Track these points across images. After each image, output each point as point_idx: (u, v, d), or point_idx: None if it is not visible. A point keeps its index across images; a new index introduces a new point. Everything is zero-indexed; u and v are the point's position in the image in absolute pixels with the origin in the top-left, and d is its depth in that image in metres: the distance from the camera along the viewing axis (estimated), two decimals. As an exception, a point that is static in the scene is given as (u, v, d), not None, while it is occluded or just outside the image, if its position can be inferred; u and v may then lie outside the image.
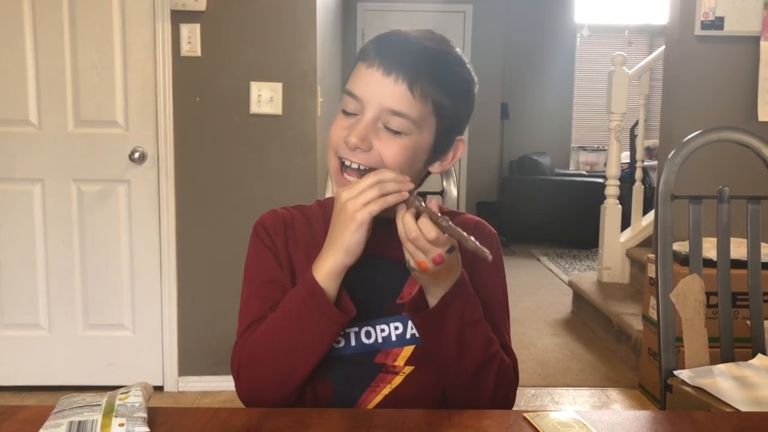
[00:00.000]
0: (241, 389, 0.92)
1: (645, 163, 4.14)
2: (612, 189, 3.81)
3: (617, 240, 3.81)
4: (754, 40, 2.90)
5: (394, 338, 0.95)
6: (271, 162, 2.67)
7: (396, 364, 0.94)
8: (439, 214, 0.80)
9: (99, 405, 0.77)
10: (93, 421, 0.74)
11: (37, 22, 2.57)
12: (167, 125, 2.63)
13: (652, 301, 2.64)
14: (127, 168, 2.65)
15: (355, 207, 0.82)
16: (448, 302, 0.86)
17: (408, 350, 0.94)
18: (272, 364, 0.89)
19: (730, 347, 1.51)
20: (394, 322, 0.95)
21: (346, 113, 0.92)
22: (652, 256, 2.66)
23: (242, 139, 2.66)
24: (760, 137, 1.49)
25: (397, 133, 0.89)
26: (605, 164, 4.31)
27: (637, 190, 3.91)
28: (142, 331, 2.74)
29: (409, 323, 0.94)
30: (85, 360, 2.73)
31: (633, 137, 5.39)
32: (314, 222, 1.01)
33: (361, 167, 0.89)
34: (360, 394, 0.94)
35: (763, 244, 1.57)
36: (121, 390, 0.81)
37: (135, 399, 0.79)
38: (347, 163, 0.90)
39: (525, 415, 0.82)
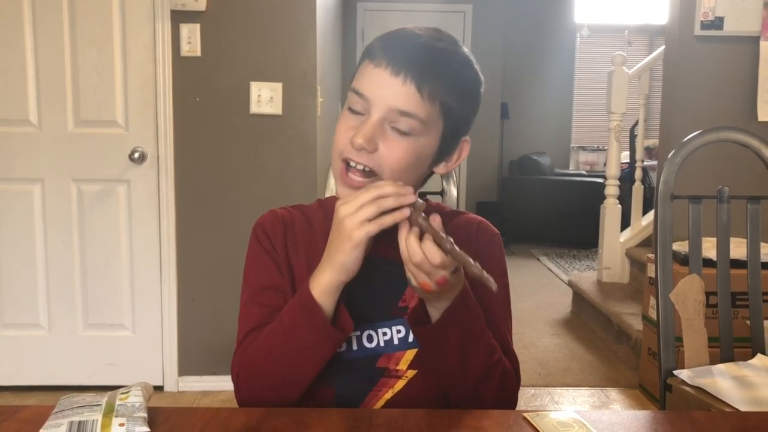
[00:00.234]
0: (240, 396, 0.93)
1: (645, 163, 4.14)
2: (612, 189, 3.81)
3: (617, 240, 3.81)
4: (754, 40, 2.90)
5: (396, 342, 0.94)
6: (271, 162, 2.67)
7: (398, 368, 0.93)
8: (444, 235, 0.78)
9: (99, 405, 0.77)
10: (93, 421, 0.74)
11: (37, 22, 2.57)
12: (167, 125, 2.63)
13: (652, 300, 2.64)
14: (127, 168, 2.65)
15: (353, 225, 0.80)
16: (450, 316, 0.85)
17: (410, 354, 0.93)
18: (270, 375, 0.89)
19: (729, 347, 1.51)
20: (396, 325, 0.94)
21: (352, 111, 0.90)
22: (651, 255, 2.66)
23: (242, 139, 2.66)
24: (759, 137, 1.49)
25: (404, 134, 0.88)
26: (605, 164, 4.31)
27: (637, 190, 3.91)
28: (142, 331, 2.74)
29: (412, 309, 0.92)
30: (85, 360, 2.73)
31: (633, 137, 5.39)
32: (315, 222, 1.00)
33: (366, 168, 0.88)
34: (362, 398, 0.93)
35: (762, 244, 1.57)
36: (121, 390, 0.81)
37: (135, 399, 0.79)
38: (352, 164, 0.89)
39: (525, 414, 0.82)
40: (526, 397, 2.70)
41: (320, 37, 2.84)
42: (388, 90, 0.87)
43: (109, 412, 0.76)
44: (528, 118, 6.94)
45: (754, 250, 1.52)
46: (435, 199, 1.12)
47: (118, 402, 0.78)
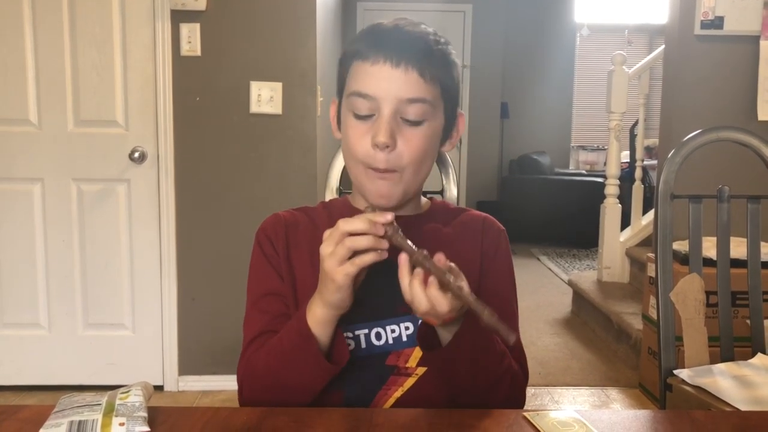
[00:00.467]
0: (243, 402, 0.93)
1: (645, 163, 4.14)
2: (612, 188, 3.81)
3: (617, 239, 3.81)
4: (754, 40, 2.90)
5: (405, 339, 0.93)
6: (270, 161, 2.67)
7: (408, 365, 0.93)
8: (450, 279, 0.75)
9: (99, 404, 0.77)
10: (93, 420, 0.74)
11: (37, 21, 2.57)
12: (167, 125, 2.63)
13: (652, 300, 2.64)
14: (127, 167, 2.65)
15: (332, 267, 0.79)
16: (461, 338, 0.84)
17: (420, 351, 0.92)
18: (271, 391, 0.90)
19: (729, 346, 1.51)
20: (404, 322, 0.93)
21: (358, 117, 0.91)
22: (651, 255, 2.66)
23: (242, 139, 2.66)
24: (759, 136, 1.49)
25: (416, 123, 0.90)
26: (605, 163, 4.31)
27: (637, 190, 3.91)
28: (142, 331, 2.74)
29: (420, 322, 0.93)
30: (85, 359, 2.73)
31: (633, 136, 5.39)
32: (319, 223, 1.00)
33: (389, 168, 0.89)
34: (372, 397, 0.93)
35: (762, 244, 1.57)
36: (122, 389, 0.81)
37: (135, 398, 0.79)
38: (374, 167, 0.90)
39: (525, 414, 0.82)
40: (526, 397, 2.70)
41: (320, 36, 2.84)
42: (392, 83, 0.88)
43: (110, 411, 0.76)
44: (528, 117, 6.94)
45: (754, 249, 1.52)
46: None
47: (118, 401, 0.78)
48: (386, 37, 0.91)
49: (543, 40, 6.96)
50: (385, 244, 0.79)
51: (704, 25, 2.90)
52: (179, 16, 2.59)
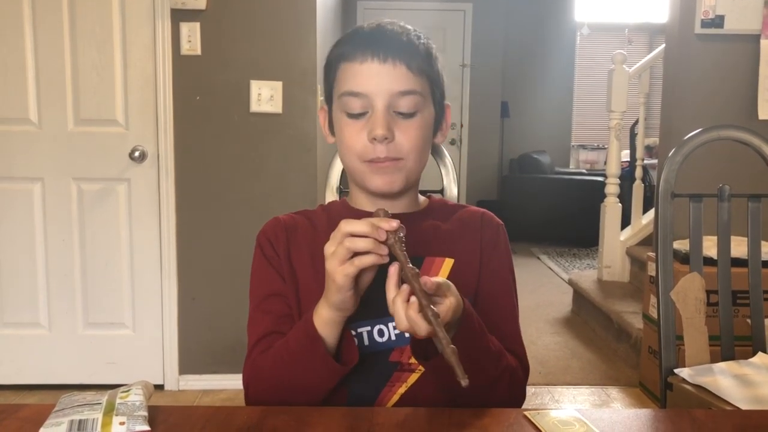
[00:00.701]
0: (249, 404, 0.94)
1: (645, 162, 4.13)
2: (612, 187, 3.81)
3: (617, 238, 3.81)
4: (755, 39, 2.90)
5: (407, 334, 0.93)
6: (271, 161, 2.67)
7: (411, 361, 0.93)
8: (428, 303, 0.75)
9: (99, 404, 0.77)
10: (93, 419, 0.74)
11: (37, 21, 2.57)
12: (167, 124, 2.63)
13: (653, 299, 2.64)
14: (127, 167, 2.65)
15: (333, 268, 0.80)
16: (456, 344, 0.83)
17: None
18: (278, 392, 0.90)
19: (730, 345, 1.51)
20: None
21: (351, 116, 0.93)
22: (652, 254, 2.66)
23: (242, 138, 2.66)
24: (760, 135, 1.49)
25: (410, 115, 0.92)
26: (605, 162, 4.31)
27: (637, 189, 3.91)
28: (142, 330, 2.74)
29: None
30: (85, 359, 2.73)
31: (633, 135, 5.38)
32: (319, 225, 1.01)
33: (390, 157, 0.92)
34: (376, 394, 0.93)
35: (763, 243, 1.57)
36: (122, 389, 0.81)
37: (135, 397, 0.79)
38: (373, 158, 0.92)
39: (525, 413, 0.82)
40: (526, 396, 2.70)
41: (320, 35, 2.83)
42: (383, 78, 0.91)
43: (110, 410, 0.76)
44: (528, 116, 6.94)
45: (754, 248, 1.52)
46: (436, 196, 1.12)
47: (118, 401, 0.78)
48: (370, 37, 0.94)
49: (543, 39, 6.96)
50: (384, 250, 0.79)
51: (705, 24, 2.89)
52: (179, 15, 2.59)
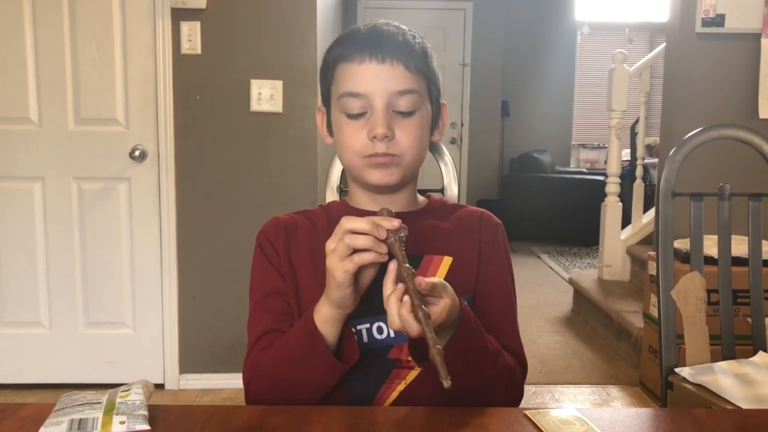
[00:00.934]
0: (250, 402, 0.94)
1: (645, 161, 4.14)
2: (612, 186, 3.81)
3: (618, 237, 3.80)
4: (755, 38, 2.89)
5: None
6: (271, 160, 2.67)
7: (410, 358, 0.93)
8: (420, 302, 0.75)
9: (100, 403, 0.77)
10: (94, 418, 0.74)
11: (37, 20, 2.57)
12: (167, 123, 2.63)
13: (653, 298, 2.64)
14: (128, 166, 2.65)
15: (333, 264, 0.81)
16: (453, 347, 0.83)
17: None
18: (279, 390, 0.90)
19: (731, 344, 1.51)
20: None
21: (351, 116, 0.94)
22: (652, 253, 2.66)
23: (242, 137, 2.66)
24: (761, 134, 1.49)
25: (409, 113, 0.93)
26: (606, 162, 4.31)
27: (638, 188, 3.90)
28: (142, 329, 2.74)
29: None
30: (85, 358, 2.73)
31: (633, 135, 5.38)
32: (318, 225, 1.02)
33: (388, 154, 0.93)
34: (375, 391, 0.93)
35: (764, 242, 1.57)
36: (122, 388, 0.81)
37: (136, 397, 0.79)
38: (373, 154, 0.93)
39: (526, 412, 0.82)
40: (527, 395, 2.69)
41: (321, 34, 2.83)
42: (381, 77, 0.92)
43: (110, 409, 0.75)
44: (528, 115, 6.94)
45: (755, 247, 1.51)
46: (436, 196, 1.12)
47: (118, 400, 0.78)
48: (368, 37, 0.94)
49: (544, 38, 6.96)
50: (383, 248, 0.79)
51: (705, 23, 2.89)
52: (180, 14, 2.59)
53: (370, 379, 0.93)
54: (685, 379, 1.43)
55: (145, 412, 0.77)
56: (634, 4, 7.14)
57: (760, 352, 1.51)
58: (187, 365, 2.76)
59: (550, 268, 5.23)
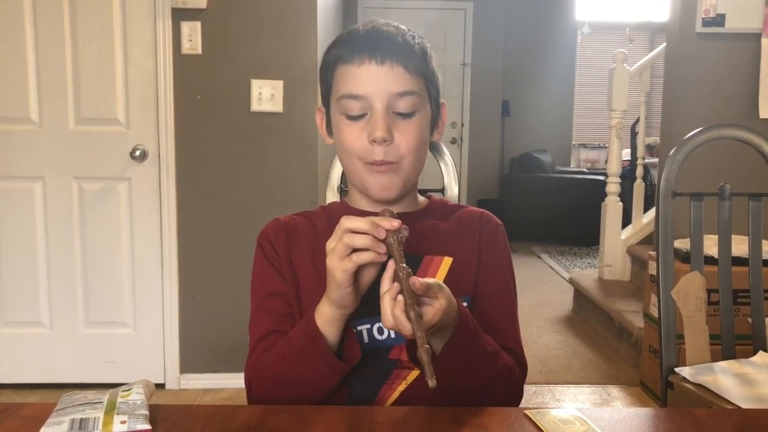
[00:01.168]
0: (251, 402, 0.94)
1: (646, 161, 4.13)
2: (613, 186, 3.81)
3: (618, 237, 3.81)
4: (755, 38, 2.90)
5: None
6: (271, 160, 2.67)
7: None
8: (413, 303, 0.75)
9: (101, 402, 0.77)
10: (95, 418, 0.74)
11: (37, 19, 2.57)
12: (168, 123, 2.63)
13: (653, 298, 2.64)
14: (128, 166, 2.65)
15: (332, 264, 0.81)
16: (451, 348, 0.84)
17: None
18: (280, 391, 0.90)
19: (731, 344, 1.51)
20: None
21: (351, 118, 0.94)
22: (653, 253, 2.66)
23: (243, 137, 2.66)
24: (761, 134, 1.49)
25: (409, 115, 0.93)
26: (606, 161, 4.31)
27: (638, 188, 3.90)
28: (143, 329, 2.74)
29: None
30: (86, 358, 2.73)
31: (634, 134, 5.38)
32: (318, 225, 1.02)
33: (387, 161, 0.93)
34: (376, 392, 0.93)
35: (764, 242, 1.57)
36: (123, 387, 0.81)
37: (137, 396, 0.79)
38: (372, 161, 0.93)
39: (526, 412, 0.82)
40: (527, 395, 2.70)
41: (321, 34, 2.83)
42: (381, 79, 0.92)
43: (111, 409, 0.76)
44: (529, 115, 6.94)
45: (755, 247, 1.52)
46: (436, 196, 1.12)
47: (119, 399, 0.78)
48: (367, 39, 0.94)
49: (544, 38, 6.96)
50: (382, 248, 0.79)
51: (705, 22, 2.89)
52: (180, 14, 2.59)
53: (371, 379, 0.93)
54: (685, 379, 1.43)
55: (146, 412, 0.77)
56: (635, 4, 7.14)
57: (760, 352, 1.51)
58: (187, 365, 2.76)
59: (551, 267, 5.23)
